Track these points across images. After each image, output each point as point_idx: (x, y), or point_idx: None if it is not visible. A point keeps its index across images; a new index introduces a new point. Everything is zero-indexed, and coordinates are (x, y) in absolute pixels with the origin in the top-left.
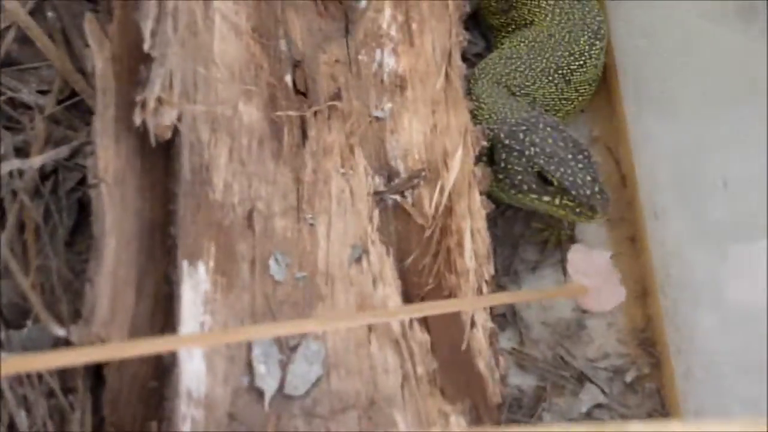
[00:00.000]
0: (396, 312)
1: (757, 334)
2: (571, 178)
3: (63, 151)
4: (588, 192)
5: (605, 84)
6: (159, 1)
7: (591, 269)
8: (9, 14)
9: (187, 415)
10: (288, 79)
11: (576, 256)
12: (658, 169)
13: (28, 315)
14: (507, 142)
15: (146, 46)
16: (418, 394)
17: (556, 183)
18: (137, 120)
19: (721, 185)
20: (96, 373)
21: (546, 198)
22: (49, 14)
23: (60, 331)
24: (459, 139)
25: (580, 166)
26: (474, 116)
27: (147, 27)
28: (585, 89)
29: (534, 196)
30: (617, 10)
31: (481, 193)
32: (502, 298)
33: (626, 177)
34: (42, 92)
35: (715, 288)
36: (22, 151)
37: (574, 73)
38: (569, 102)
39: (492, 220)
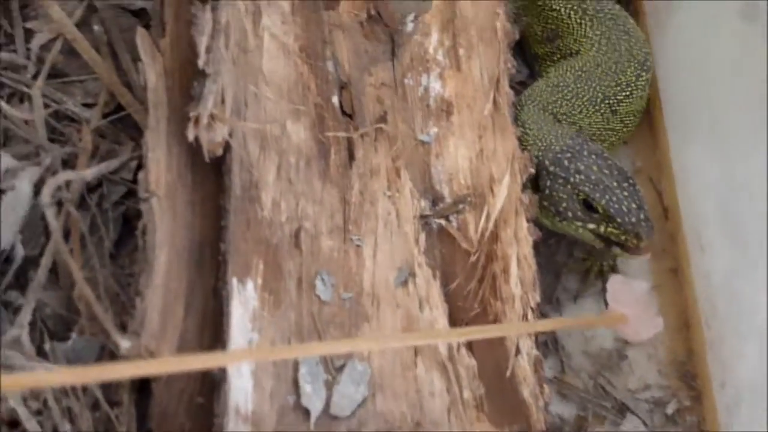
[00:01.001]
0: (441, 335)
1: None
2: (616, 206)
3: (113, 163)
4: (633, 219)
5: (648, 115)
6: (213, 18)
7: (630, 299)
8: (56, 26)
9: (236, 431)
10: (335, 100)
11: (615, 285)
12: (702, 201)
13: (72, 326)
14: (552, 168)
15: (201, 62)
16: (465, 418)
17: (601, 210)
18: (190, 135)
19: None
20: (141, 386)
21: (591, 225)
22: (96, 27)
23: (124, 342)
24: (506, 165)
25: (626, 193)
26: (520, 142)
27: (202, 43)
28: (630, 120)
29: (579, 223)
30: (662, 41)
31: (528, 220)
32: (542, 325)
33: (669, 209)
34: (87, 105)
35: (761, 322)
36: (68, 164)
37: (621, 104)
38: (614, 132)
39: (534, 248)
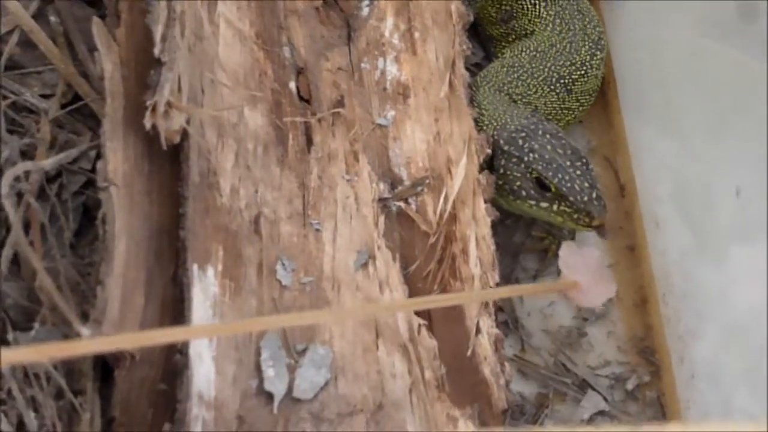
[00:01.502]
0: (399, 305)
1: (758, 343)
2: (569, 184)
3: (72, 153)
4: (585, 198)
5: (603, 95)
6: (168, 6)
7: (581, 266)
8: (12, 18)
9: (199, 416)
10: (292, 85)
11: (567, 252)
12: (658, 179)
13: (34, 317)
14: (506, 148)
15: (156, 51)
16: (426, 399)
17: (554, 189)
18: (148, 124)
19: (725, 194)
20: (104, 375)
21: (544, 204)
22: (52, 18)
23: (85, 331)
24: (463, 147)
25: (578, 172)
26: (476, 123)
27: (157, 31)
28: (585, 99)
29: (532, 202)
30: (615, 20)
31: (485, 201)
32: (497, 293)
33: (624, 187)
34: (45, 96)
35: (717, 297)
36: (26, 155)
37: (576, 83)
38: (570, 112)
39: (493, 228)
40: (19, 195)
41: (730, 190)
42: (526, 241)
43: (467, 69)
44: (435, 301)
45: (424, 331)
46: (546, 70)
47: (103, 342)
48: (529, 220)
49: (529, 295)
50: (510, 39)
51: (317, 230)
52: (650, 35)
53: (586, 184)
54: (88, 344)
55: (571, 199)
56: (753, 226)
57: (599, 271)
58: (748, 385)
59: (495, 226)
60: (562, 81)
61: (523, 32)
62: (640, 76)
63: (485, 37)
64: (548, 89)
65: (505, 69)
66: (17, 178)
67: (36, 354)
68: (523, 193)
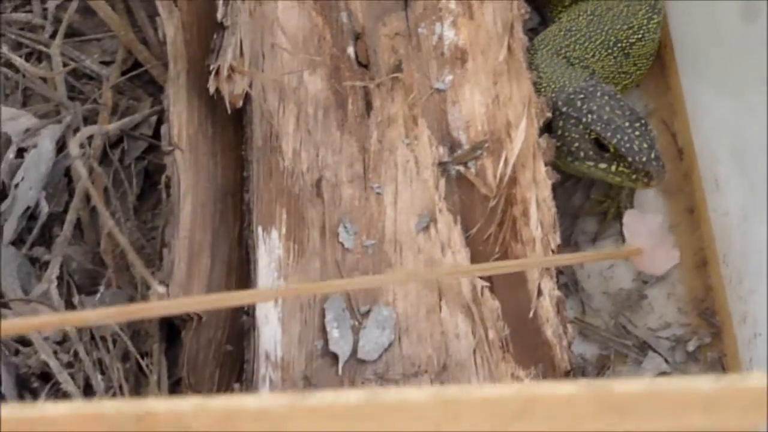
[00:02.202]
0: (461, 271)
1: None
2: (627, 145)
3: (134, 119)
4: (644, 158)
5: (660, 58)
6: None
7: (645, 232)
8: None
9: (266, 376)
10: (350, 50)
11: (631, 219)
12: (717, 139)
13: (98, 280)
14: (564, 109)
15: (219, 15)
16: (491, 359)
17: (612, 149)
18: (212, 88)
19: None
20: (170, 336)
21: (602, 165)
22: None
23: (160, 288)
24: (522, 110)
25: (637, 133)
26: (534, 87)
27: None
28: (643, 63)
29: (590, 163)
30: None
31: (545, 164)
32: (560, 260)
33: (683, 150)
34: (105, 63)
35: None
36: (88, 121)
37: (633, 47)
38: (627, 75)
39: (552, 191)
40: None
41: None
42: (585, 203)
43: (525, 32)
44: (497, 267)
45: (486, 292)
46: (603, 33)
47: (173, 305)
48: (588, 183)
49: (591, 261)
50: (566, 3)
51: (378, 193)
52: None
53: (645, 145)
54: (158, 307)
55: (630, 159)
56: None
57: (663, 238)
58: None
59: (554, 188)
60: (619, 44)
61: None
62: (696, 38)
63: (541, 1)
64: (606, 53)
65: (562, 32)
66: (81, 144)
67: (108, 317)
68: (582, 154)
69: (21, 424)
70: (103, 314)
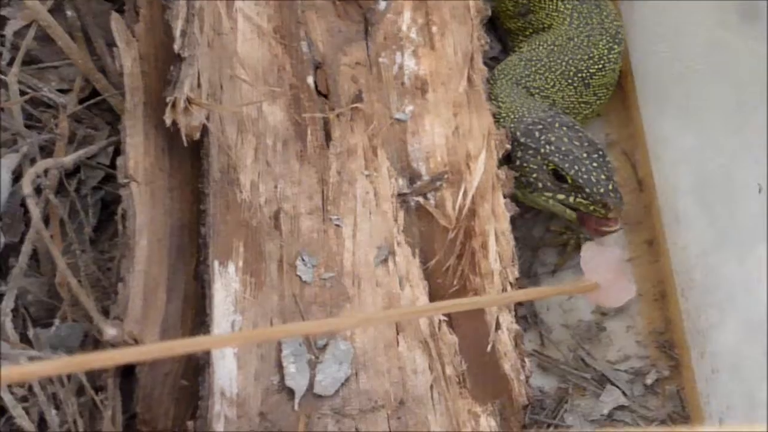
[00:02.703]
0: (423, 310)
1: None
2: (585, 176)
3: (91, 149)
4: (602, 190)
5: (621, 88)
6: (188, 1)
7: (603, 266)
8: (29, 12)
9: (221, 413)
10: (310, 80)
11: (589, 253)
12: (677, 173)
13: (54, 313)
14: (523, 140)
15: (177, 46)
16: (447, 395)
17: (570, 180)
18: (168, 120)
19: (747, 188)
20: (125, 371)
21: (560, 196)
22: (69, 13)
23: (109, 330)
24: (482, 141)
25: (595, 164)
26: (494, 118)
27: (177, 27)
28: (603, 93)
29: (548, 194)
30: (633, 15)
31: (505, 196)
32: (519, 296)
33: (643, 181)
34: (63, 91)
35: (738, 291)
36: (45, 150)
37: (593, 77)
38: (588, 105)
39: (512, 223)
40: (39, 190)
41: (752, 184)
42: (545, 235)
43: (485, 63)
44: (456, 305)
45: (444, 327)
46: (564, 63)
47: (125, 354)
48: (548, 214)
49: (549, 296)
50: (527, 33)
51: (337, 225)
52: (669, 27)
53: (603, 176)
54: (110, 356)
55: (588, 190)
56: None
57: (620, 272)
58: None
59: (514, 220)
60: (579, 75)
61: (541, 26)
62: (659, 69)
63: (503, 30)
64: (566, 83)
65: (522, 63)
66: (37, 175)
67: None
68: (540, 185)
69: None
70: (49, 367)
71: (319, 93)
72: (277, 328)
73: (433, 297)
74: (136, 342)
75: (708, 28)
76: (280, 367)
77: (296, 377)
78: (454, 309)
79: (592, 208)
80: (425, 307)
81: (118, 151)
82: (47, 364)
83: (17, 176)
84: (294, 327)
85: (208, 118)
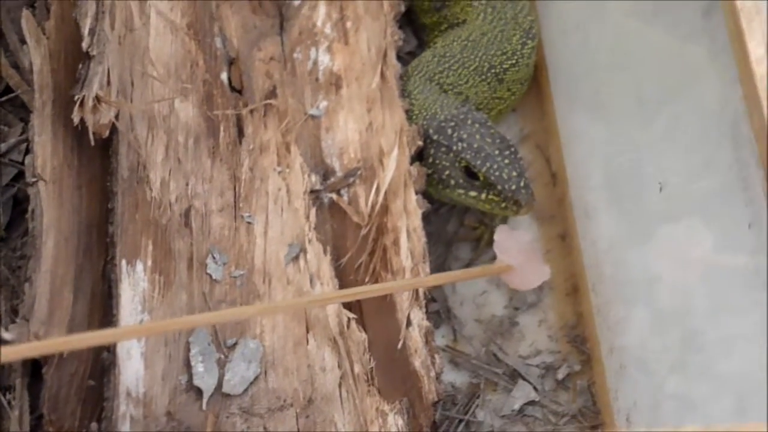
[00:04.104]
0: (331, 297)
1: (688, 333)
2: (497, 173)
3: (3, 147)
4: (513, 186)
5: (536, 83)
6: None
7: (515, 248)
8: None
9: (126, 414)
10: (224, 76)
11: (501, 236)
12: (589, 167)
13: None
14: (435, 137)
15: (85, 45)
16: (355, 393)
17: (482, 177)
18: (76, 118)
19: (653, 183)
20: (33, 371)
21: (472, 193)
22: None
23: (7, 335)
24: (394, 138)
25: (507, 161)
26: (407, 114)
27: (86, 25)
28: (517, 88)
29: (461, 191)
30: (548, 9)
31: (416, 192)
32: (430, 280)
33: (556, 175)
34: None
35: (647, 287)
36: None
37: (507, 72)
38: (502, 101)
39: (425, 218)
40: None
41: (657, 179)
42: (459, 230)
43: (401, 58)
44: (366, 291)
45: (353, 324)
46: (477, 59)
47: (29, 348)
48: (462, 209)
49: (463, 280)
50: (443, 28)
51: (249, 223)
52: (581, 20)
53: (514, 173)
54: (13, 351)
55: (499, 187)
56: (686, 215)
57: (533, 254)
58: (678, 372)
59: (428, 215)
60: (493, 70)
61: (456, 21)
62: (571, 64)
63: (419, 25)
64: (479, 79)
65: (436, 59)
66: None
67: None
68: (453, 182)
69: None
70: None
71: (233, 89)
72: (181, 319)
73: None
74: None
75: (617, 20)
76: (188, 366)
77: (204, 376)
78: (362, 296)
79: (504, 204)
80: (332, 294)
81: (29, 150)
82: None
83: None
84: (198, 318)
85: (117, 117)
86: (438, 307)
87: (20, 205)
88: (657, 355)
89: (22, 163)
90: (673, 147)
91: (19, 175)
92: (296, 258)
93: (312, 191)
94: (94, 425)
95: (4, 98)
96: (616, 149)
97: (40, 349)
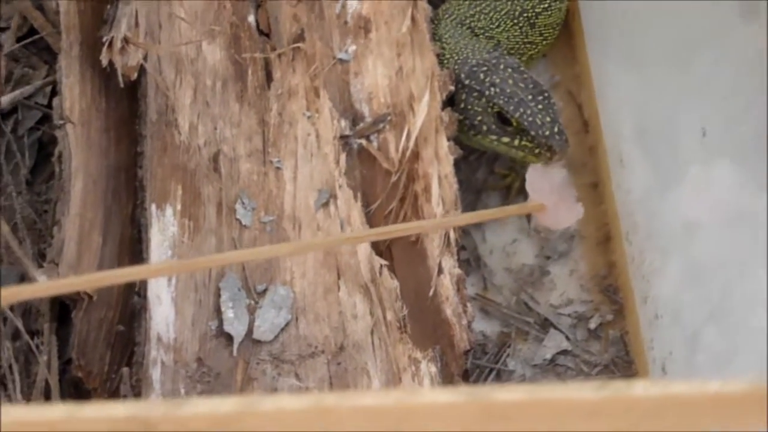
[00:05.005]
0: (362, 236)
1: (723, 284)
2: (530, 119)
3: (27, 89)
4: (547, 132)
5: (567, 28)
6: None
7: (548, 187)
8: None
9: (158, 359)
10: (251, 19)
11: (533, 175)
12: (622, 115)
13: None
14: (467, 82)
15: None
16: (388, 340)
17: (515, 123)
18: (104, 60)
19: (689, 131)
20: (61, 316)
21: (505, 139)
22: None
23: (41, 278)
24: (425, 83)
25: (540, 107)
26: (438, 59)
27: None
28: (549, 33)
29: (493, 137)
30: None
31: (448, 139)
32: (461, 219)
33: (588, 122)
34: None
35: (682, 236)
36: None
37: (539, 17)
38: (533, 46)
39: (455, 166)
40: None
41: (695, 127)
42: (488, 178)
43: (431, 1)
44: (399, 229)
45: (385, 271)
46: (509, 3)
47: (60, 285)
48: (492, 157)
49: (495, 218)
50: None
51: (278, 168)
52: None
53: (548, 119)
54: (44, 288)
55: (533, 133)
56: (723, 163)
57: (566, 193)
58: (713, 323)
59: (457, 163)
60: (525, 14)
61: None
62: (604, 7)
63: None
64: (511, 23)
65: (467, 2)
66: None
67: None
68: (485, 128)
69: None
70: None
71: (260, 32)
72: (211, 257)
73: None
74: None
75: None
76: (218, 312)
77: (234, 323)
78: (396, 234)
79: (537, 150)
80: (364, 233)
81: (55, 92)
82: None
83: None
84: (228, 255)
85: (145, 59)
86: (468, 256)
87: (44, 149)
88: (692, 306)
89: (47, 107)
90: (710, 94)
91: (44, 119)
92: (326, 204)
93: (341, 137)
94: (125, 370)
95: (28, 41)
96: (651, 96)
97: (75, 285)
